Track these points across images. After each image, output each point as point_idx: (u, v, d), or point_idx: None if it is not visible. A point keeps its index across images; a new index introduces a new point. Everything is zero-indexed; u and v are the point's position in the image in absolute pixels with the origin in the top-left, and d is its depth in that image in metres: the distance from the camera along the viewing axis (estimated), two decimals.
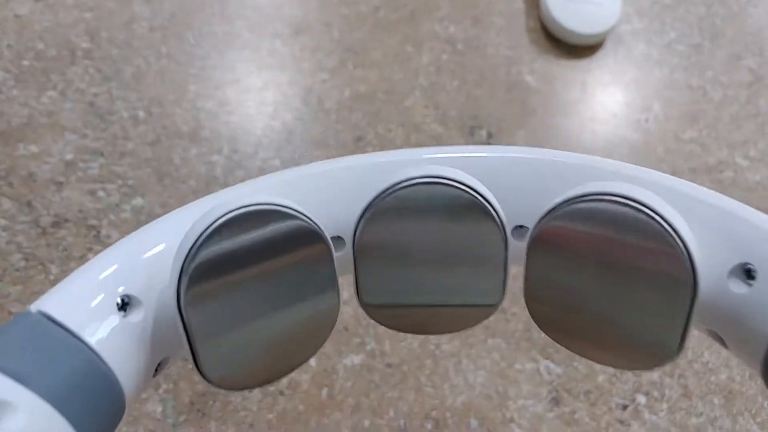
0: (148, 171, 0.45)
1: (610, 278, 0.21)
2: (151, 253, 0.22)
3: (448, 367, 0.42)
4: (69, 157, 0.45)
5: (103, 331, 0.20)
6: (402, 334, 0.40)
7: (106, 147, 0.45)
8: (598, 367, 0.42)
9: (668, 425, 0.40)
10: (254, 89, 0.49)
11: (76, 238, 0.42)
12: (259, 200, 0.20)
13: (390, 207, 0.22)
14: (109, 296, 0.21)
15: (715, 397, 0.40)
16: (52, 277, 0.41)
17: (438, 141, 0.49)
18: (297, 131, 0.48)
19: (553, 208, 0.21)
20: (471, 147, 0.26)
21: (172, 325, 0.20)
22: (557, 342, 0.23)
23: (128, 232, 0.41)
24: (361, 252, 0.22)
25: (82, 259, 0.41)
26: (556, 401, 0.41)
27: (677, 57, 0.55)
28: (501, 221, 0.22)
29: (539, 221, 0.21)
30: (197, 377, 0.22)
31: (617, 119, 0.52)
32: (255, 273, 0.21)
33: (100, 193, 0.44)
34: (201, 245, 0.20)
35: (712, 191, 0.23)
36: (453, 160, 0.24)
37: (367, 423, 0.40)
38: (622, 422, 0.41)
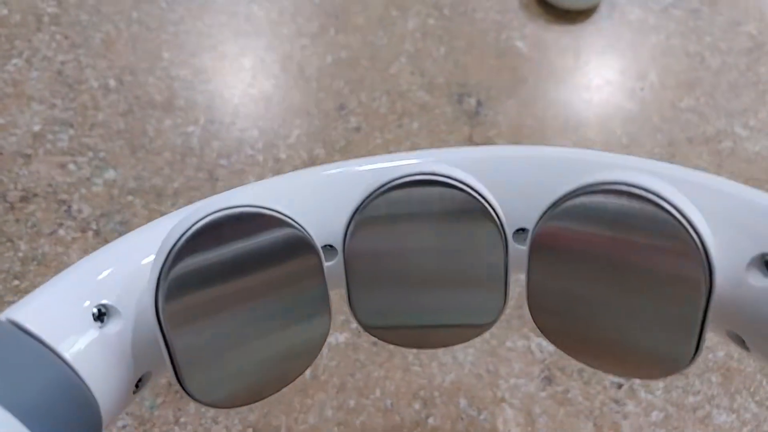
0: (121, 143, 0.43)
1: (618, 279, 0.20)
2: (131, 261, 0.21)
3: None
4: (37, 128, 0.43)
5: (77, 343, 0.19)
6: None
7: (75, 118, 0.43)
8: None
9: (664, 404, 0.39)
10: (231, 56, 0.48)
11: (46, 213, 0.41)
12: (240, 202, 0.19)
13: (380, 210, 0.20)
14: (85, 306, 0.19)
15: (712, 375, 0.40)
16: (20, 254, 0.39)
17: (424, 109, 0.48)
18: (276, 100, 0.47)
19: (555, 203, 0.20)
20: (467, 148, 0.24)
21: (153, 337, 0.19)
22: (564, 351, 0.22)
23: (101, 206, 0.40)
24: (351, 261, 0.21)
25: (52, 236, 0.40)
26: (548, 380, 0.41)
27: (674, 22, 0.54)
28: (501, 223, 0.20)
29: (541, 218, 0.20)
30: None
31: (612, 87, 0.51)
32: (238, 287, 0.19)
33: (71, 166, 0.42)
34: (178, 254, 0.18)
35: (725, 179, 0.21)
36: (446, 160, 0.22)
37: (352, 403, 0.39)
38: (617, 401, 0.40)
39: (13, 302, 0.36)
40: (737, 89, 0.51)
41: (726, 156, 0.48)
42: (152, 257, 0.19)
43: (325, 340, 0.22)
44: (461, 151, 0.24)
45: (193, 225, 0.18)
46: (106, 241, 0.40)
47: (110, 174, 0.42)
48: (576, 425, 0.40)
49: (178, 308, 0.19)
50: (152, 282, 0.18)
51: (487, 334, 0.40)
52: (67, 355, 0.18)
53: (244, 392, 0.21)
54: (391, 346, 0.40)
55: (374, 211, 0.20)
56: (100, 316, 0.19)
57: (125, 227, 0.41)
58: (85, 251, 0.40)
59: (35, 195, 0.41)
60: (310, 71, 0.48)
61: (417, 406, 0.40)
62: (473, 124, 0.48)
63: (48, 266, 0.39)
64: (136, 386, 0.20)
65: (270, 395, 0.22)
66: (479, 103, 0.49)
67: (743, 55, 0.53)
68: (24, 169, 0.42)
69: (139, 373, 0.20)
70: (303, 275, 0.20)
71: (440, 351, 0.40)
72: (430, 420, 0.39)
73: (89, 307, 0.19)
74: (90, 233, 0.40)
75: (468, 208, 0.20)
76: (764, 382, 0.39)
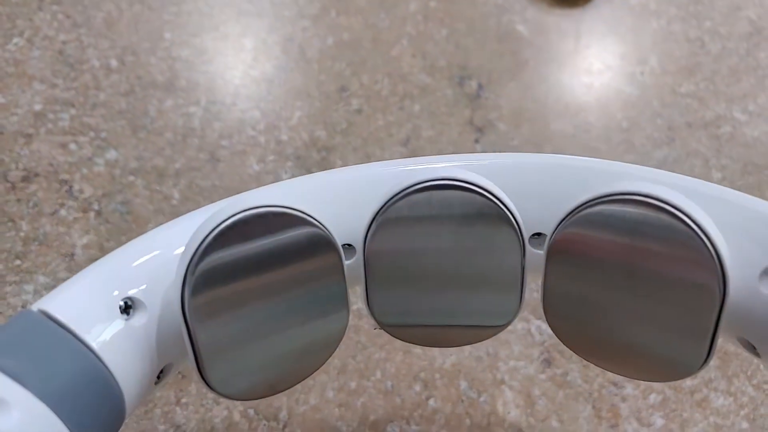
0: (122, 123, 0.43)
1: (633, 286, 0.20)
2: (158, 254, 0.21)
3: None
4: (38, 108, 0.43)
5: (104, 334, 0.19)
6: None
7: (77, 97, 0.43)
8: None
9: (662, 387, 0.40)
10: (233, 37, 0.48)
11: (47, 193, 0.41)
12: (267, 202, 0.19)
13: (402, 211, 0.21)
14: (112, 299, 0.20)
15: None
16: (22, 234, 0.39)
17: (426, 91, 0.48)
18: (277, 81, 0.46)
19: (573, 211, 0.20)
20: (489, 154, 0.25)
21: (177, 330, 0.20)
22: (577, 354, 0.23)
23: (102, 187, 0.40)
24: (371, 260, 0.22)
25: (54, 216, 0.40)
26: (548, 362, 0.41)
27: (674, 7, 0.54)
28: (519, 227, 0.21)
29: (559, 225, 0.20)
30: None
31: (612, 72, 0.51)
32: (261, 283, 0.20)
33: (72, 146, 0.42)
34: (206, 250, 0.19)
35: (739, 192, 0.21)
36: (467, 166, 0.23)
37: (353, 385, 0.39)
38: (615, 384, 0.40)
39: (15, 282, 0.37)
40: (737, 74, 0.51)
41: (725, 141, 0.48)
42: (178, 251, 0.20)
43: (342, 336, 0.22)
44: (483, 157, 0.24)
45: (221, 223, 0.19)
46: (108, 222, 0.40)
47: (111, 154, 0.42)
48: (575, 407, 0.40)
49: (204, 302, 0.19)
50: (179, 276, 0.19)
51: None
52: (95, 345, 0.19)
53: (263, 385, 0.22)
54: None
55: (395, 213, 0.21)
56: (127, 308, 0.20)
57: (127, 207, 0.40)
58: (87, 231, 0.39)
59: (36, 175, 0.41)
60: (312, 53, 0.48)
61: (417, 388, 0.40)
62: (474, 107, 0.48)
63: (49, 246, 0.39)
64: (158, 377, 0.21)
65: (287, 388, 0.22)
66: (480, 86, 0.48)
67: (743, 40, 0.53)
68: (25, 148, 0.42)
69: (162, 364, 0.21)
70: (324, 273, 0.21)
71: None
72: (431, 402, 0.40)
73: (116, 299, 0.20)
74: (92, 213, 0.40)
75: (487, 212, 0.21)
76: (761, 366, 0.40)
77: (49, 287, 0.38)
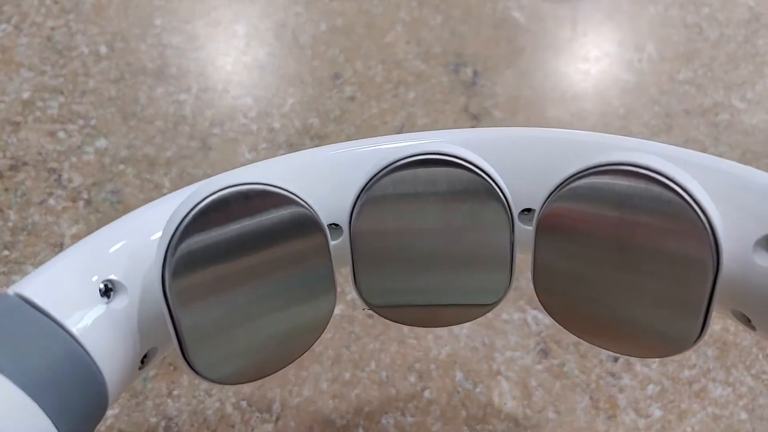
0: (112, 110, 0.43)
1: (624, 259, 0.20)
2: (138, 236, 0.21)
3: None
4: (26, 95, 0.42)
5: (84, 318, 0.19)
6: None
7: (66, 85, 0.43)
8: None
9: (660, 377, 0.40)
10: (224, 22, 0.48)
11: (36, 182, 0.40)
12: (248, 180, 0.19)
13: (386, 189, 0.21)
14: (92, 282, 0.20)
15: (708, 348, 0.40)
16: (10, 224, 0.39)
17: (421, 78, 0.48)
18: (270, 68, 0.46)
19: (561, 184, 0.20)
20: (475, 129, 0.25)
21: (159, 313, 0.20)
22: (569, 330, 0.23)
23: (92, 175, 0.39)
24: (357, 240, 0.22)
25: (42, 205, 0.39)
26: (544, 353, 0.41)
27: None
28: (507, 203, 0.21)
29: (548, 198, 0.20)
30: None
31: (609, 59, 0.51)
32: (244, 264, 0.20)
33: (61, 134, 0.42)
34: (185, 230, 0.19)
35: (732, 162, 0.21)
36: (453, 141, 0.23)
37: (347, 375, 0.39)
38: (613, 375, 0.41)
39: (2, 273, 0.36)
40: (735, 61, 0.51)
41: (723, 128, 0.48)
42: (159, 233, 0.19)
43: (329, 318, 0.22)
44: (468, 132, 0.24)
45: (200, 201, 0.18)
46: (98, 211, 0.39)
47: (101, 142, 0.42)
48: (572, 398, 0.40)
49: (185, 285, 0.19)
50: (159, 258, 0.19)
51: None
52: (75, 330, 0.18)
53: (249, 369, 0.22)
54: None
55: (380, 191, 0.20)
56: (107, 291, 0.20)
57: (117, 196, 0.40)
58: (76, 221, 0.39)
59: (24, 164, 0.41)
60: (305, 39, 0.47)
61: (413, 378, 0.40)
62: (470, 95, 0.47)
63: (38, 236, 0.38)
64: (142, 362, 0.21)
65: (274, 372, 0.22)
66: (476, 74, 0.48)
67: (741, 27, 0.53)
68: (13, 137, 0.41)
69: (145, 349, 0.21)
70: (309, 253, 0.21)
71: None
72: (426, 393, 0.40)
73: (96, 282, 0.20)
74: (81, 202, 0.40)
75: (474, 188, 0.20)
76: (760, 356, 0.40)
77: None
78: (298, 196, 0.20)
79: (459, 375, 0.40)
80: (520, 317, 0.42)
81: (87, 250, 0.20)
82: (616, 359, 0.41)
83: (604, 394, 0.40)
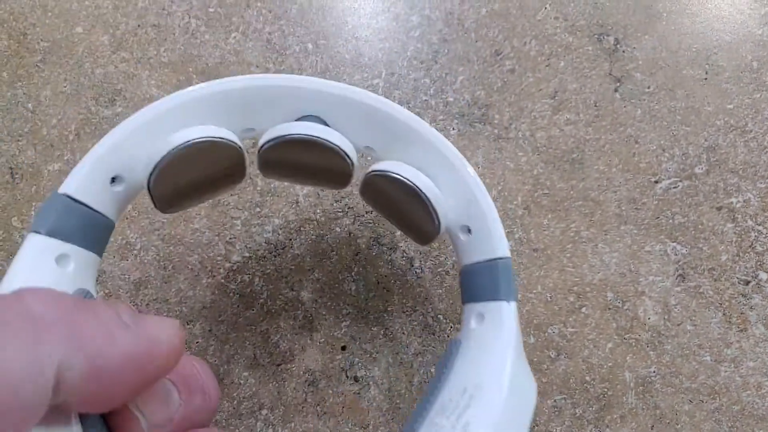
0: None
1: (398, 198, 0.33)
2: (130, 144, 0.30)
3: (586, 250, 0.47)
4: None
5: (103, 198, 0.29)
6: (545, 225, 0.46)
7: None
8: (721, 247, 0.46)
9: None
10: (402, 16, 0.54)
11: None
12: (201, 135, 0.30)
13: (276, 147, 0.33)
14: (106, 178, 0.29)
15: None
16: (258, 188, 0.48)
17: (569, 49, 0.52)
18: (442, 51, 0.52)
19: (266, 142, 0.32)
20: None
21: (142, 191, 0.31)
22: (375, 209, 0.37)
23: None
24: (264, 162, 0.33)
25: None
26: (682, 277, 0.45)
27: None
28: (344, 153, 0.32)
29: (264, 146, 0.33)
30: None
31: (743, 16, 0.53)
32: (193, 174, 0.31)
33: None
34: (158, 174, 0.29)
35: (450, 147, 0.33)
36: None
37: (519, 296, 0.45)
38: (744, 295, 0.45)
39: (258, 224, 0.46)
40: None
41: None
42: (138, 138, 0.30)
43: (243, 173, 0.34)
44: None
45: (167, 154, 0.29)
46: None
47: None
48: (707, 314, 0.44)
49: (160, 192, 0.30)
50: (145, 181, 0.29)
51: (628, 240, 0.47)
52: (98, 207, 0.29)
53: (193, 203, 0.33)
54: (549, 251, 0.46)
55: (271, 150, 0.32)
56: (113, 181, 0.30)
57: None
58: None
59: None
60: (468, 23, 0.53)
61: (572, 298, 0.45)
62: (613, 60, 0.52)
63: (280, 196, 0.47)
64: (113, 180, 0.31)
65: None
66: (617, 41, 0.53)
67: None
68: None
69: (128, 203, 0.32)
70: (235, 163, 0.32)
71: (589, 254, 0.46)
72: (583, 309, 0.45)
73: (108, 178, 0.29)
74: None
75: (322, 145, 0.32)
76: None
77: (281, 227, 0.48)
78: (232, 141, 0.31)
79: (610, 295, 0.45)
80: (661, 248, 0.46)
81: (100, 154, 0.29)
82: (747, 282, 0.45)
83: (736, 311, 0.44)
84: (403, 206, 0.33)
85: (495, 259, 0.31)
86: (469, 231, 0.32)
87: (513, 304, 0.30)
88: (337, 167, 0.32)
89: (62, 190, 0.27)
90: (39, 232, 0.26)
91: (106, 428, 0.22)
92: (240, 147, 0.31)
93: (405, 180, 0.31)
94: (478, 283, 0.31)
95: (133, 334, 0.20)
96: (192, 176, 0.30)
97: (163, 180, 0.29)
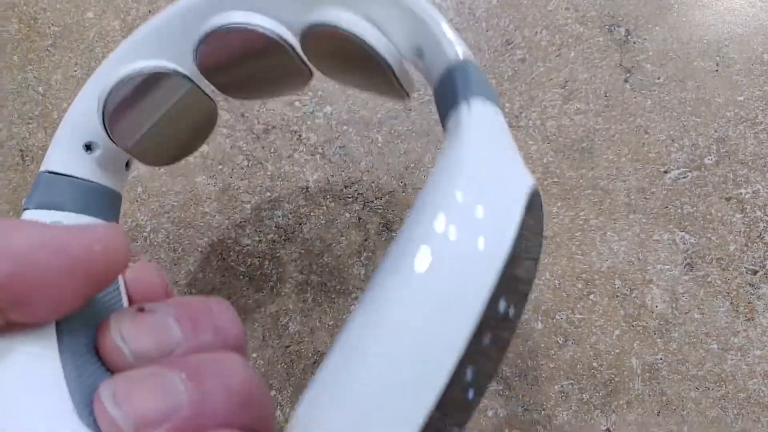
0: (333, 84, 0.52)
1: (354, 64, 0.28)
2: (92, 108, 0.30)
3: (594, 238, 0.47)
4: None
5: (84, 165, 0.30)
6: (554, 213, 0.46)
7: None
8: (729, 237, 0.46)
9: None
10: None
11: (283, 141, 0.49)
12: (143, 67, 0.29)
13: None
14: (79, 146, 0.30)
15: None
16: (269, 173, 0.48)
17: (579, 39, 0.52)
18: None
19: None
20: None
21: (122, 156, 0.31)
22: (330, 76, 0.31)
23: (323, 134, 0.49)
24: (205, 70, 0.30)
25: (290, 158, 0.49)
26: (690, 266, 0.46)
27: None
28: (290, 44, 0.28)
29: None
30: None
31: (755, 9, 0.53)
32: (146, 105, 0.30)
33: (297, 104, 0.50)
34: (106, 107, 0.28)
35: None
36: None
37: None
38: (752, 285, 0.45)
39: (269, 208, 0.47)
40: None
41: None
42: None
43: (215, 120, 0.32)
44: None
45: (112, 89, 0.28)
46: (331, 162, 0.49)
47: (327, 109, 0.50)
48: (714, 303, 0.45)
49: (116, 129, 0.29)
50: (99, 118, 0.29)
51: (637, 229, 0.47)
52: (81, 175, 0.29)
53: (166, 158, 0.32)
54: (558, 239, 0.46)
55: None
56: (89, 149, 0.30)
57: (344, 150, 0.48)
58: (316, 169, 0.48)
59: (273, 127, 0.49)
60: (479, 13, 0.53)
61: (580, 285, 0.46)
62: (623, 51, 0.52)
63: (289, 181, 0.48)
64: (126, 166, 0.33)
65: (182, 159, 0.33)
66: (628, 32, 0.52)
67: None
68: (263, 108, 0.50)
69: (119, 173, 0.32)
70: (188, 91, 0.30)
71: (598, 242, 0.46)
72: (591, 296, 0.45)
73: (80, 146, 0.30)
74: (317, 156, 0.48)
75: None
76: None
77: (291, 212, 0.48)
78: (178, 71, 0.29)
79: (618, 282, 0.46)
80: (669, 237, 0.46)
81: (71, 124, 0.29)
82: (755, 272, 0.45)
83: (744, 300, 0.45)
84: (351, 61, 0.28)
85: (447, 67, 0.25)
86: (423, 53, 0.27)
87: (476, 101, 0.23)
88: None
89: (43, 168, 0.28)
90: (28, 208, 0.27)
91: (96, 357, 0.22)
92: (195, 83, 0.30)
93: (343, 30, 0.26)
94: (440, 104, 0.26)
95: (60, 228, 0.20)
96: (150, 111, 0.29)
97: (118, 117, 0.29)
